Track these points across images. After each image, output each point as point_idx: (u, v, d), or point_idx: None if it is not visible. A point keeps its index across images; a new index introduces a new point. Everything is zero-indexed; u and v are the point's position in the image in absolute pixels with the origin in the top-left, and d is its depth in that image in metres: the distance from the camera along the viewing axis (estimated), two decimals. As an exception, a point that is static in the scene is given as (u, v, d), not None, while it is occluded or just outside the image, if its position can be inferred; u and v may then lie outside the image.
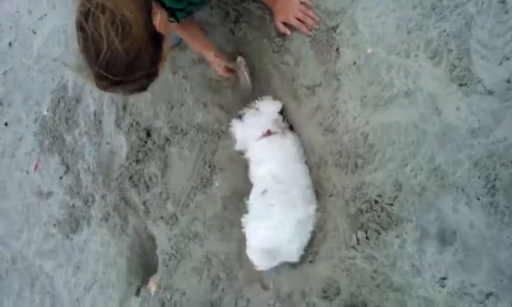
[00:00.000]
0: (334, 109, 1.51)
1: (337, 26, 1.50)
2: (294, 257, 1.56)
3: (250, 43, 1.77)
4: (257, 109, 1.68)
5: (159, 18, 1.10)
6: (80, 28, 1.02)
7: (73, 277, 2.54)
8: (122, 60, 1.03)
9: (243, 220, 1.63)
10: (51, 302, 2.70)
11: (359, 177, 1.42)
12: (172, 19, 1.38)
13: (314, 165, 1.61)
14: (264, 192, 1.58)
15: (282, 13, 1.58)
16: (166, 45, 1.18)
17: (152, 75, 1.14)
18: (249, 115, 1.69)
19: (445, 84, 1.27)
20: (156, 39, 1.12)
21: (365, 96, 1.43)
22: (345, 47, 1.49)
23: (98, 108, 2.41)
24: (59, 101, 2.62)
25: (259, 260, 1.57)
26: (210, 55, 1.77)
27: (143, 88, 1.17)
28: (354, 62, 1.46)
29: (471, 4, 1.24)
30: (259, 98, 1.71)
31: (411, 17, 1.34)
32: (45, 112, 2.73)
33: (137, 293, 2.18)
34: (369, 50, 1.43)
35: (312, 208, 1.53)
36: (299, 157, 1.62)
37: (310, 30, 1.55)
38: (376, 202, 1.36)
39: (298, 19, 1.55)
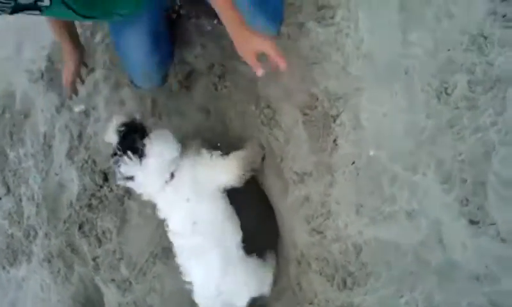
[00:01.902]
0: (324, 207, 1.33)
1: (337, 115, 1.31)
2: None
3: (234, 105, 1.54)
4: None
5: None
6: None
7: (8, 314, 2.25)
8: None
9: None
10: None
11: (347, 297, 1.26)
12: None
13: (293, 261, 1.43)
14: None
15: (250, 39, 1.06)
16: None
17: None
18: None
19: (453, 216, 1.13)
20: None
21: (361, 205, 1.25)
22: (344, 140, 1.30)
23: (49, 130, 2.09)
24: (4, 110, 2.26)
25: None
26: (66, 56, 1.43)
27: None
28: (353, 162, 1.28)
29: (493, 130, 1.09)
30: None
31: (424, 128, 1.18)
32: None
33: (79, 350, 1.95)
34: (371, 152, 1.25)
35: None
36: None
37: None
38: (363, 332, 1.21)
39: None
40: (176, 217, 1.33)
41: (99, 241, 1.83)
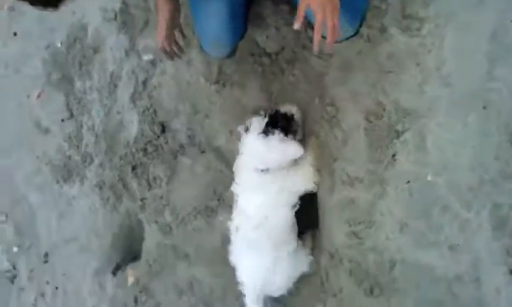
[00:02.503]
0: (369, 215, 1.36)
1: (402, 132, 1.30)
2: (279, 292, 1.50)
3: (299, 92, 1.54)
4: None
5: None
6: None
7: (55, 222, 2.48)
8: None
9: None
10: (29, 232, 2.67)
11: (370, 304, 1.32)
12: None
13: (326, 252, 1.49)
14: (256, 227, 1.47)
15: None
16: None
17: None
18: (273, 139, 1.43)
19: (496, 261, 1.14)
20: None
21: (406, 225, 1.28)
22: (403, 157, 1.30)
23: (117, 71, 2.17)
24: (75, 40, 2.36)
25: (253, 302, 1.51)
26: (160, 17, 1.36)
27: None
28: (408, 181, 1.29)
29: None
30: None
31: (490, 168, 1.16)
32: (59, 45, 2.47)
33: (115, 271, 2.16)
34: (429, 177, 1.25)
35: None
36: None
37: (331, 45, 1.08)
38: (380, 342, 1.29)
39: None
40: (254, 202, 1.44)
41: (149, 185, 1.95)
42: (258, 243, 1.43)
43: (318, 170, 1.51)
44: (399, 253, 1.29)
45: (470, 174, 1.18)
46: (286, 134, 1.40)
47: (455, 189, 1.20)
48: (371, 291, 1.33)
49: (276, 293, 1.48)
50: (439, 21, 1.26)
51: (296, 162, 1.46)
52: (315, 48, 1.08)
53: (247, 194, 1.51)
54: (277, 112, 1.45)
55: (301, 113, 1.51)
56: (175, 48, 1.43)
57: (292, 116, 1.45)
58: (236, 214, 1.52)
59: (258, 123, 1.45)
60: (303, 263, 1.50)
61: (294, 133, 1.45)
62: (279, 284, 1.46)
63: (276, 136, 1.39)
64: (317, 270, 1.57)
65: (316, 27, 1.06)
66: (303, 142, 1.50)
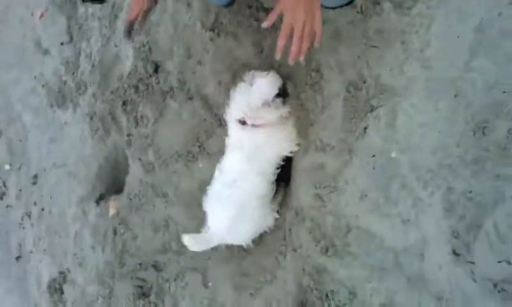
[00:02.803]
0: (334, 181, 1.43)
1: (377, 107, 1.34)
2: (244, 240, 1.63)
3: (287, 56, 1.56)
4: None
5: None
6: None
7: (46, 147, 2.58)
8: None
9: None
10: (20, 151, 2.78)
11: (324, 261, 1.42)
12: None
13: (293, 209, 1.58)
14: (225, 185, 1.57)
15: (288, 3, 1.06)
16: None
17: None
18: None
19: (442, 240, 1.22)
20: None
21: (366, 195, 1.35)
22: (373, 131, 1.35)
23: (119, 1, 2.18)
24: (79, -35, 2.34)
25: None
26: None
27: None
28: (374, 155, 1.35)
29: (511, 186, 1.12)
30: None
31: (450, 153, 1.21)
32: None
33: (98, 201, 2.27)
34: (393, 154, 1.31)
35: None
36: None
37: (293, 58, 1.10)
38: (327, 296, 1.40)
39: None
40: (230, 158, 1.54)
41: (136, 122, 2.02)
42: (226, 199, 1.52)
43: (298, 132, 1.57)
44: (355, 220, 1.37)
45: (431, 157, 1.24)
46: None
47: (415, 168, 1.26)
48: (326, 251, 1.43)
49: (238, 242, 1.58)
50: (430, 3, 1.27)
51: (280, 122, 1.52)
52: (278, 56, 1.04)
53: (228, 148, 1.57)
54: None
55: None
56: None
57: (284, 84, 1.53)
58: (218, 165, 1.59)
59: (261, 78, 1.50)
60: (267, 220, 1.59)
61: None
62: (241, 235, 1.56)
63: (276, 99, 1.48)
64: (282, 225, 1.67)
65: (282, 30, 1.01)
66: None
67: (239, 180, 1.52)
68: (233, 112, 1.55)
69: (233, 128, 1.56)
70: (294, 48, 1.05)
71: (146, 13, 1.41)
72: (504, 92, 1.13)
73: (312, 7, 1.05)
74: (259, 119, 1.49)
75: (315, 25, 1.06)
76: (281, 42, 1.05)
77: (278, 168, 1.55)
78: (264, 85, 1.48)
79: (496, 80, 1.15)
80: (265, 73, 1.51)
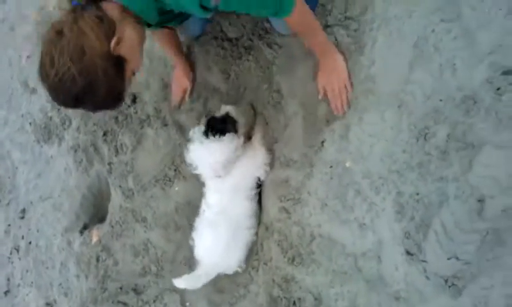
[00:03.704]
0: (298, 193, 1.51)
1: (332, 122, 1.44)
2: (231, 270, 1.65)
3: (251, 78, 1.69)
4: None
5: (115, 41, 1.07)
6: (42, 42, 1.06)
7: (33, 181, 2.66)
8: (74, 82, 1.03)
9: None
10: (9, 188, 2.85)
11: (291, 271, 1.48)
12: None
13: (263, 224, 1.65)
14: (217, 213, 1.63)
15: (325, 76, 1.44)
16: (131, 67, 1.15)
17: (114, 96, 1.14)
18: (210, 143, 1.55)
19: (395, 242, 1.29)
20: (118, 61, 1.10)
21: (326, 204, 1.43)
22: (329, 144, 1.45)
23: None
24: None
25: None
26: (176, 68, 1.84)
27: (110, 106, 1.19)
28: (331, 166, 1.44)
29: (453, 185, 1.21)
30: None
31: (397, 159, 1.31)
32: (51, 9, 2.62)
33: (82, 231, 2.33)
34: (348, 164, 1.40)
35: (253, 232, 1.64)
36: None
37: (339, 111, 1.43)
38: (294, 304, 1.45)
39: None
40: (213, 198, 1.62)
41: (116, 151, 2.11)
42: (217, 226, 1.57)
43: (270, 150, 1.65)
44: (318, 228, 1.45)
45: (381, 164, 1.33)
46: (224, 134, 1.52)
47: (367, 176, 1.35)
48: (293, 260, 1.49)
49: (231, 269, 1.63)
50: (373, 25, 1.39)
51: (248, 146, 1.61)
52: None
53: (207, 191, 1.66)
54: (212, 118, 1.58)
55: (241, 110, 1.63)
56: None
57: (228, 115, 1.56)
58: (203, 200, 1.67)
59: (198, 131, 1.56)
60: (251, 242, 1.64)
61: (235, 130, 1.56)
62: (235, 259, 1.61)
63: (214, 139, 1.52)
64: (255, 241, 1.73)
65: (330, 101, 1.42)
66: (252, 129, 1.65)
67: (228, 208, 1.59)
68: (203, 173, 1.61)
69: (208, 179, 1.64)
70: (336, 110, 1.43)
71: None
72: (441, 100, 1.24)
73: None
74: (229, 166, 1.56)
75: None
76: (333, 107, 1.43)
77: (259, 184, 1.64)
78: (217, 149, 1.52)
79: (433, 90, 1.26)
80: (203, 120, 1.60)
